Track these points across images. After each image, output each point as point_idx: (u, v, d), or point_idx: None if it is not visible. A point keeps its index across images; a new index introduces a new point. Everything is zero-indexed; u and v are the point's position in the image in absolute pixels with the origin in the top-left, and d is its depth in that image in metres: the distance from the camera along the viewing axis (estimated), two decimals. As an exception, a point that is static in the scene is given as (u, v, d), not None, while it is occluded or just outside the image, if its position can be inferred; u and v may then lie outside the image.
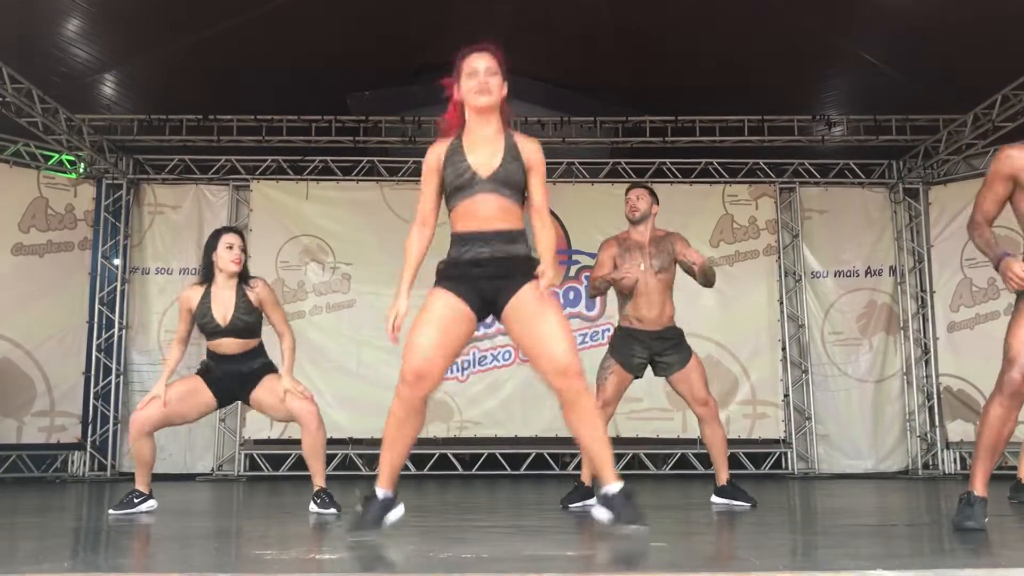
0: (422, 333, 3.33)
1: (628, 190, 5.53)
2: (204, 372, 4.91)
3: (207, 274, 4.93)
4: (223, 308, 4.84)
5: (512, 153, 3.43)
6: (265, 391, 4.90)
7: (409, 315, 3.42)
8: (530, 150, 3.47)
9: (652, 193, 5.47)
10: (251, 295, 4.89)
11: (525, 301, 3.35)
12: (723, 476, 5.28)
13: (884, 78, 8.21)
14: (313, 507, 4.83)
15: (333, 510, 4.73)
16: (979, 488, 3.71)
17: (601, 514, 3.36)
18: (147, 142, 8.99)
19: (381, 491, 3.45)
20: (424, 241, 3.58)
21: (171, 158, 9.28)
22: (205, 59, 8.07)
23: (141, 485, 4.88)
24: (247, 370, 4.89)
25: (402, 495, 3.57)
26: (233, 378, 4.88)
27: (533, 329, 3.33)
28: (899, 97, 8.47)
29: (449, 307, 3.36)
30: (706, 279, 5.29)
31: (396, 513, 3.48)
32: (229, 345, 4.87)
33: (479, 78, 3.45)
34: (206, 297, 4.86)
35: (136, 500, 4.85)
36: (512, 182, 3.42)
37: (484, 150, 3.44)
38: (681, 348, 5.24)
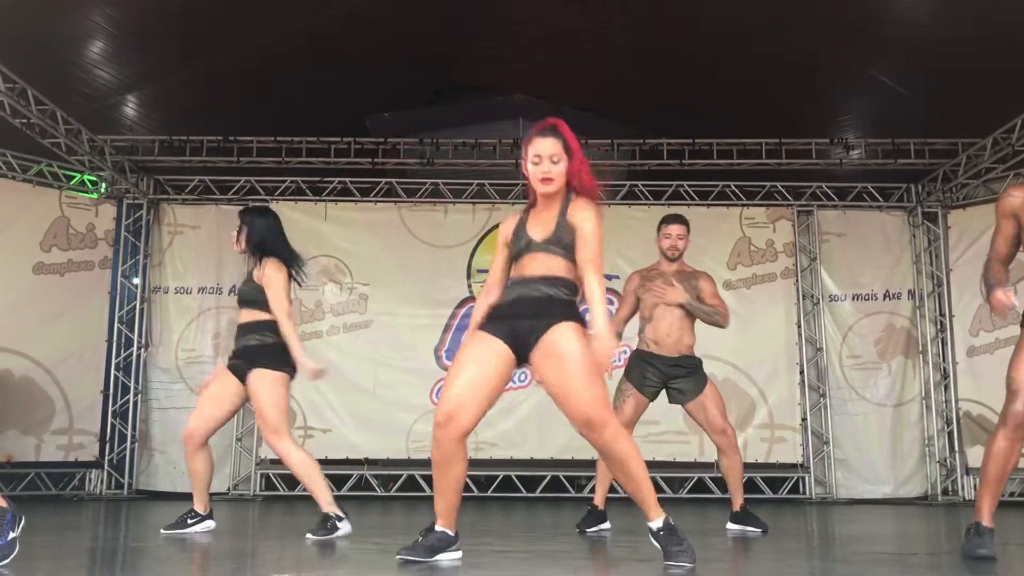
0: (455, 373, 3.38)
1: (667, 223, 5.40)
2: (287, 358, 4.77)
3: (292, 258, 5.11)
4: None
5: (563, 217, 3.49)
6: (249, 388, 4.76)
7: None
8: (579, 213, 3.48)
9: (688, 226, 5.45)
10: (256, 272, 4.90)
11: (553, 342, 3.33)
12: (738, 502, 5.27)
13: (902, 101, 8.19)
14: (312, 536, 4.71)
15: (336, 533, 4.59)
16: (987, 519, 3.71)
17: (656, 545, 3.44)
18: (168, 163, 9.06)
19: (439, 527, 3.48)
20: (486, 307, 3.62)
21: (191, 178, 9.35)
22: (226, 80, 8.15)
23: (199, 504, 4.82)
24: (241, 346, 4.82)
25: (418, 516, 3.56)
26: (238, 354, 4.82)
27: (558, 375, 3.31)
28: (917, 120, 8.44)
29: (484, 344, 3.40)
30: (702, 318, 5.28)
31: (451, 554, 3.48)
32: (241, 315, 4.90)
33: (543, 166, 3.49)
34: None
35: (190, 521, 4.80)
36: (564, 243, 3.47)
37: (544, 223, 3.53)
38: (696, 376, 5.24)
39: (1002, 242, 3.94)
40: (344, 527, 4.62)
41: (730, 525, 5.32)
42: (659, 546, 3.41)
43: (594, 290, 3.37)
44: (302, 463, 4.72)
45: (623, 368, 5.41)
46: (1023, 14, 6.67)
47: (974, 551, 3.68)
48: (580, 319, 3.43)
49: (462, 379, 3.33)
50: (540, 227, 3.53)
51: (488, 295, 3.63)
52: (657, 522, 3.41)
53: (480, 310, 3.60)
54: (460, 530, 3.55)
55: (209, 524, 4.85)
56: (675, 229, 5.35)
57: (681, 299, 5.20)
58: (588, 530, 5.23)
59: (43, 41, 7.26)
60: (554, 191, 3.51)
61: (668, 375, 5.22)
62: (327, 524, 4.62)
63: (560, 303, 3.42)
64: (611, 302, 9.08)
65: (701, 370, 5.29)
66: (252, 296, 4.87)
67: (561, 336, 3.33)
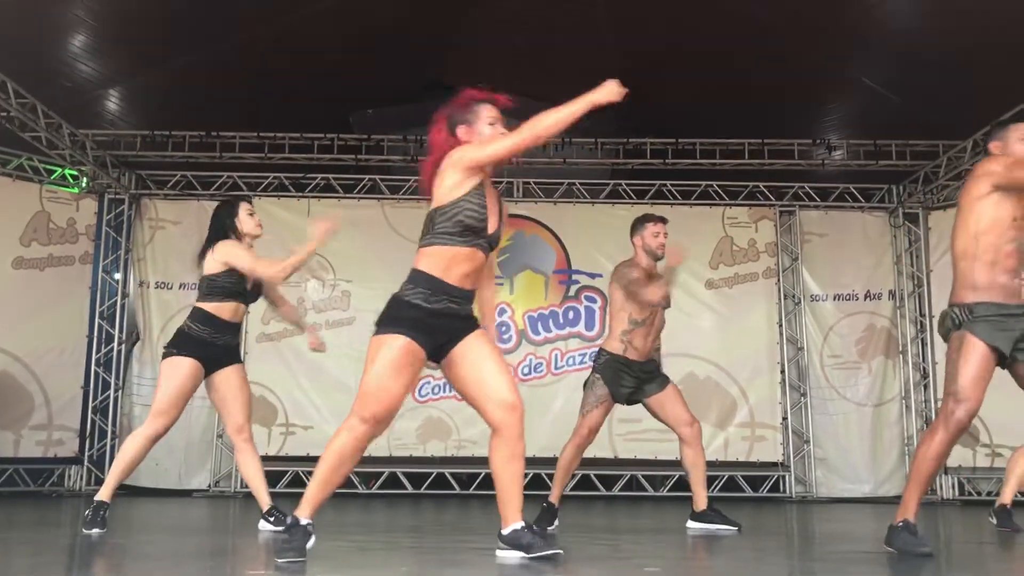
0: (397, 382, 3.33)
1: (653, 221, 5.37)
2: (191, 347, 4.72)
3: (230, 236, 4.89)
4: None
5: (500, 217, 3.53)
6: (233, 377, 4.81)
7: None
8: (505, 214, 3.62)
9: None
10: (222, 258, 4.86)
11: (470, 345, 3.42)
12: (703, 501, 5.25)
13: (885, 103, 8.24)
14: (265, 526, 4.80)
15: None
16: (912, 515, 3.76)
17: (509, 555, 3.38)
18: (150, 158, 9.01)
19: (305, 520, 3.36)
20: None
21: (173, 174, 9.31)
22: (209, 76, 8.10)
23: (264, 504, 4.92)
24: (234, 343, 4.90)
25: (399, 513, 3.56)
26: (221, 350, 4.79)
27: (477, 369, 3.39)
28: (899, 122, 8.49)
29: (414, 358, 3.35)
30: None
31: (312, 540, 3.42)
32: (234, 312, 4.84)
33: (497, 128, 3.56)
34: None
35: (271, 520, 4.86)
36: (495, 246, 3.55)
37: (492, 203, 3.50)
38: (659, 374, 5.31)
39: None
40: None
41: (692, 524, 5.23)
42: (516, 548, 3.37)
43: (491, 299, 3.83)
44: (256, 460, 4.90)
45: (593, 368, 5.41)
46: (1006, 17, 6.72)
47: (917, 549, 3.72)
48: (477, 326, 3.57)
49: (401, 391, 3.37)
50: (492, 209, 3.54)
51: None
52: (519, 523, 3.39)
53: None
54: (442, 529, 3.55)
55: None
56: (663, 227, 5.36)
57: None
58: (549, 528, 5.20)
59: (24, 34, 7.20)
60: None
61: (641, 378, 5.25)
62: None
63: (472, 318, 3.57)
64: (594, 300, 9.13)
65: (660, 368, 5.38)
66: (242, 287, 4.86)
67: (475, 339, 3.46)
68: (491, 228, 3.45)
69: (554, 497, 5.33)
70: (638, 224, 5.40)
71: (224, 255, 4.74)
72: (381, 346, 3.33)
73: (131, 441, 4.68)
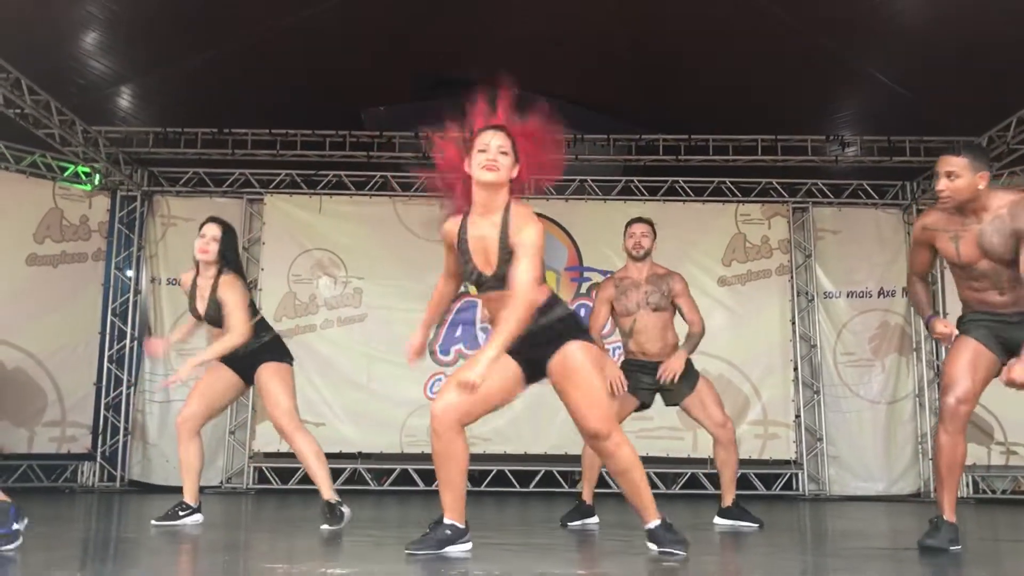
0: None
1: (631, 223, 5.48)
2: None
3: (195, 261, 4.97)
4: (202, 300, 4.88)
5: (504, 243, 3.42)
6: (260, 381, 4.87)
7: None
8: (516, 232, 3.40)
9: (653, 228, 5.48)
10: (219, 291, 4.83)
11: (559, 366, 3.43)
12: (730, 498, 5.28)
13: (898, 99, 8.19)
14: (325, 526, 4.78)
15: (339, 524, 4.67)
16: (948, 513, 3.87)
17: (652, 547, 3.51)
18: (162, 155, 9.03)
19: (447, 520, 3.49)
20: (450, 291, 3.81)
21: (185, 171, 9.33)
22: (221, 73, 8.11)
23: (189, 497, 4.85)
24: (243, 352, 4.84)
25: (411, 509, 3.56)
26: (236, 360, 4.85)
27: (567, 395, 3.43)
28: (913, 118, 8.44)
29: (499, 362, 3.34)
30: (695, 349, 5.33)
31: (463, 546, 3.51)
32: (218, 334, 4.86)
33: (489, 154, 3.41)
34: (193, 285, 4.95)
35: (181, 513, 4.82)
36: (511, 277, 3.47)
37: (484, 244, 3.46)
38: (688, 374, 5.25)
39: (921, 265, 4.29)
40: (347, 512, 4.71)
41: (719, 520, 5.31)
42: (655, 543, 3.48)
43: (503, 329, 3.30)
44: (312, 451, 4.87)
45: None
46: (1020, 12, 6.67)
47: (924, 540, 3.85)
48: (578, 330, 3.53)
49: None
50: (483, 256, 3.47)
51: (451, 279, 3.78)
52: (655, 522, 3.49)
53: (443, 292, 3.82)
54: (454, 523, 3.53)
55: (198, 517, 4.85)
56: (638, 227, 5.40)
57: (683, 361, 5.19)
58: (570, 524, 5.24)
59: (38, 31, 7.22)
60: (496, 181, 3.41)
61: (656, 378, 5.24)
62: (334, 512, 4.67)
63: (551, 327, 3.46)
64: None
65: (691, 366, 5.29)
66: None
67: (566, 358, 3.42)
68: (489, 270, 3.46)
69: (585, 495, 5.35)
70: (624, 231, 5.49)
71: (225, 293, 4.91)
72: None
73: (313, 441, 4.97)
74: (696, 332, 5.27)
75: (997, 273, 3.86)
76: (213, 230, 4.92)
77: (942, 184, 3.84)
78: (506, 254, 3.41)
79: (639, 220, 5.49)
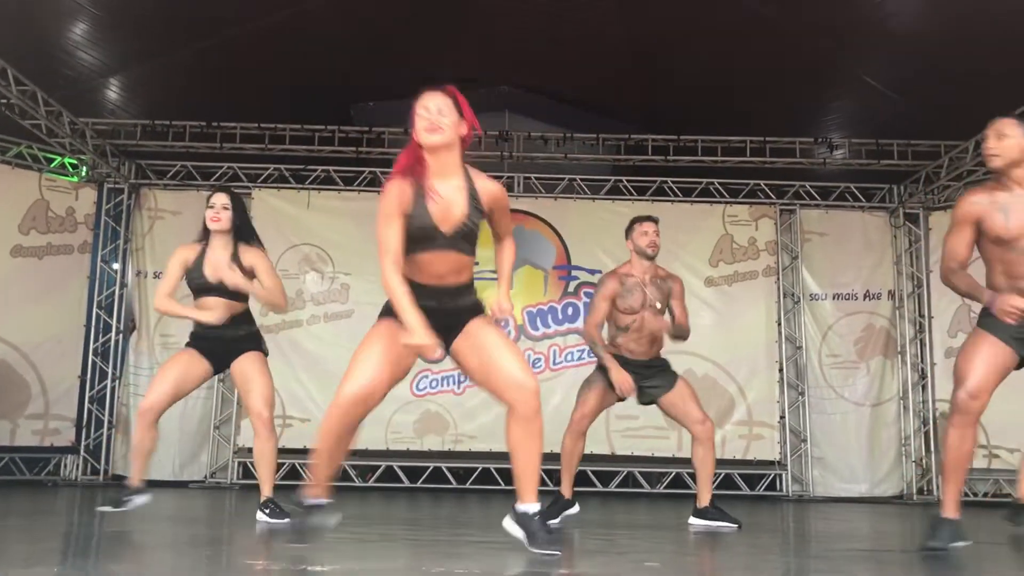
0: (367, 360, 3.37)
1: (642, 221, 5.35)
2: (193, 341, 4.90)
3: (203, 234, 4.92)
4: (213, 267, 4.83)
5: (474, 204, 3.41)
6: (244, 366, 4.86)
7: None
8: (491, 193, 3.45)
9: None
10: (244, 258, 4.86)
11: (474, 334, 3.43)
12: (707, 498, 5.27)
13: (887, 103, 8.23)
14: (262, 517, 4.82)
15: (286, 520, 4.70)
16: (949, 510, 3.80)
17: (515, 531, 3.41)
18: (150, 147, 8.99)
19: (321, 500, 3.51)
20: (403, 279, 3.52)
21: (173, 164, 9.29)
22: (210, 66, 8.08)
23: (136, 479, 4.87)
24: (231, 336, 4.85)
25: (395, 507, 3.55)
26: (219, 343, 4.85)
27: (488, 356, 3.38)
28: (901, 122, 8.48)
29: (395, 340, 3.31)
30: (673, 338, 5.29)
31: (335, 517, 3.54)
32: (215, 305, 4.83)
33: (429, 115, 3.36)
34: (201, 255, 4.89)
35: (125, 499, 4.84)
36: (472, 237, 3.43)
37: (447, 201, 3.38)
38: (666, 372, 5.28)
39: (964, 248, 4.00)
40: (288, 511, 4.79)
41: (695, 521, 5.26)
42: (523, 529, 3.38)
43: (509, 266, 3.70)
44: (273, 450, 4.92)
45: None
46: (1007, 17, 6.71)
47: (925, 543, 3.83)
48: (482, 309, 3.56)
49: (373, 370, 3.34)
50: (445, 212, 3.35)
51: (399, 267, 3.39)
52: (534, 506, 3.40)
53: (403, 282, 3.40)
54: (438, 522, 3.54)
55: (145, 499, 4.88)
56: (652, 226, 5.32)
57: (666, 327, 5.20)
58: (551, 522, 5.21)
59: (25, 21, 7.18)
60: (440, 143, 3.35)
61: (641, 375, 5.24)
62: (279, 510, 4.82)
63: (470, 309, 3.50)
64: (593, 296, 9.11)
65: (669, 367, 5.33)
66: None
67: (477, 329, 3.45)
68: (447, 228, 3.36)
69: (564, 490, 5.33)
70: (629, 227, 5.40)
71: (264, 264, 5.03)
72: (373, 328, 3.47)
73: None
74: (683, 325, 5.25)
75: None
76: (223, 199, 4.90)
77: (991, 143, 3.90)
78: (476, 214, 3.40)
79: (650, 219, 5.39)
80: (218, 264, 4.83)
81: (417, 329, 3.23)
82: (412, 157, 3.41)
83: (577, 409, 5.25)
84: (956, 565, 3.59)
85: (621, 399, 5.32)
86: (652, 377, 5.25)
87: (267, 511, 4.83)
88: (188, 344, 4.92)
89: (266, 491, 4.91)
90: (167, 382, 4.78)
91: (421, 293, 3.36)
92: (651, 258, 5.29)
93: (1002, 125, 3.92)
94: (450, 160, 3.42)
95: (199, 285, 4.86)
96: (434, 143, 3.37)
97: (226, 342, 4.85)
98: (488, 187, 3.47)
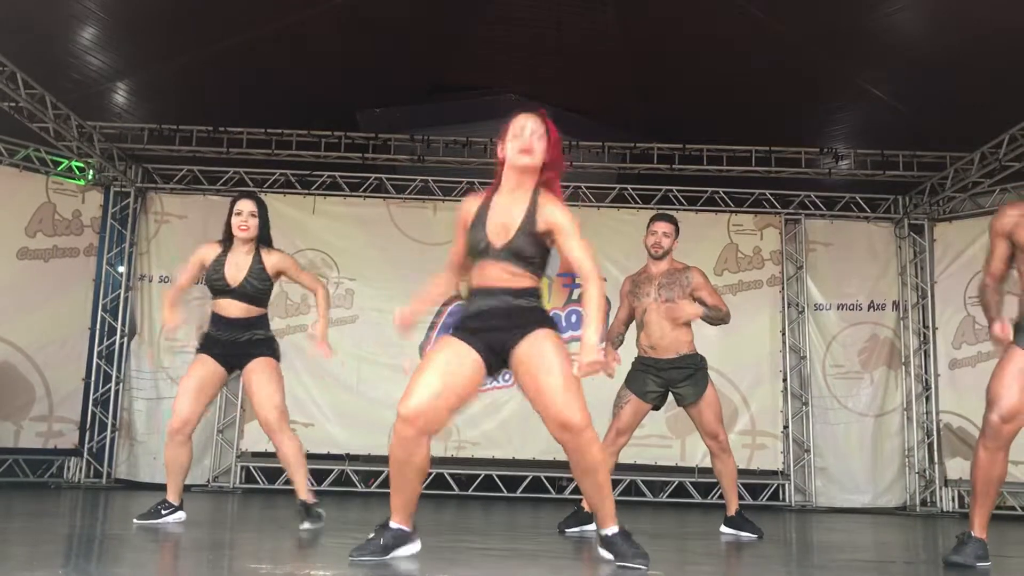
0: (427, 373, 3.30)
1: (654, 220, 5.38)
2: (205, 346, 4.88)
3: (227, 237, 4.92)
4: (235, 270, 4.83)
5: (529, 223, 3.40)
6: (255, 372, 4.84)
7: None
8: (549, 214, 3.41)
9: (677, 227, 5.41)
10: (267, 262, 4.88)
11: (527, 351, 3.31)
12: (733, 506, 5.29)
13: (893, 113, 8.24)
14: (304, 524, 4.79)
15: (319, 523, 4.72)
16: (977, 529, 3.79)
17: (604, 554, 3.42)
18: (157, 151, 9.01)
19: (394, 524, 3.41)
20: (450, 285, 3.72)
21: (180, 168, 9.31)
22: (217, 71, 8.12)
23: (173, 496, 4.81)
24: (246, 339, 4.85)
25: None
26: (233, 345, 4.83)
27: (536, 381, 3.28)
28: (907, 133, 8.49)
29: (454, 352, 3.34)
30: (712, 322, 5.29)
31: (409, 548, 3.44)
32: (233, 308, 4.84)
33: (524, 138, 3.40)
34: (221, 257, 4.87)
35: (164, 512, 4.78)
36: (524, 256, 3.41)
37: (504, 218, 3.41)
38: (697, 380, 5.23)
39: (998, 262, 3.98)
40: (322, 513, 4.81)
41: (724, 529, 5.32)
42: (610, 552, 3.39)
43: (592, 305, 3.33)
44: (296, 451, 4.88)
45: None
46: (1014, 30, 6.71)
47: (949, 556, 3.82)
48: (552, 324, 3.45)
49: (433, 382, 3.26)
50: (499, 228, 3.40)
51: (452, 272, 3.66)
52: (612, 528, 3.40)
53: (444, 283, 3.69)
54: (440, 528, 3.54)
55: (181, 515, 4.83)
56: (661, 226, 5.31)
57: (698, 313, 5.16)
58: (568, 530, 5.23)
59: (34, 25, 7.21)
60: (532, 165, 3.40)
61: (669, 379, 5.22)
62: (311, 513, 4.72)
63: (529, 311, 3.41)
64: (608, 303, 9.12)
65: (703, 372, 5.27)
66: (263, 292, 4.96)
67: (536, 343, 3.32)
68: (499, 243, 3.39)
69: (586, 503, 5.32)
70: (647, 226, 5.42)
71: (290, 265, 5.13)
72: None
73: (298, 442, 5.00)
74: (721, 311, 5.23)
75: None
76: (250, 206, 4.92)
77: None
78: (529, 230, 3.39)
79: (662, 218, 5.38)
80: (240, 268, 4.83)
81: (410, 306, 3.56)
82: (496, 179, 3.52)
83: (611, 427, 5.26)
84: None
85: (656, 408, 5.33)
86: (682, 382, 5.23)
87: (303, 515, 4.78)
88: (200, 350, 4.89)
89: (300, 494, 4.85)
90: (190, 396, 4.75)
91: (479, 294, 3.44)
92: (657, 258, 5.29)
93: None
94: (526, 181, 3.45)
95: (218, 287, 4.86)
96: (525, 164, 3.42)
97: (240, 345, 4.84)
98: (548, 207, 3.43)
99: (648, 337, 5.25)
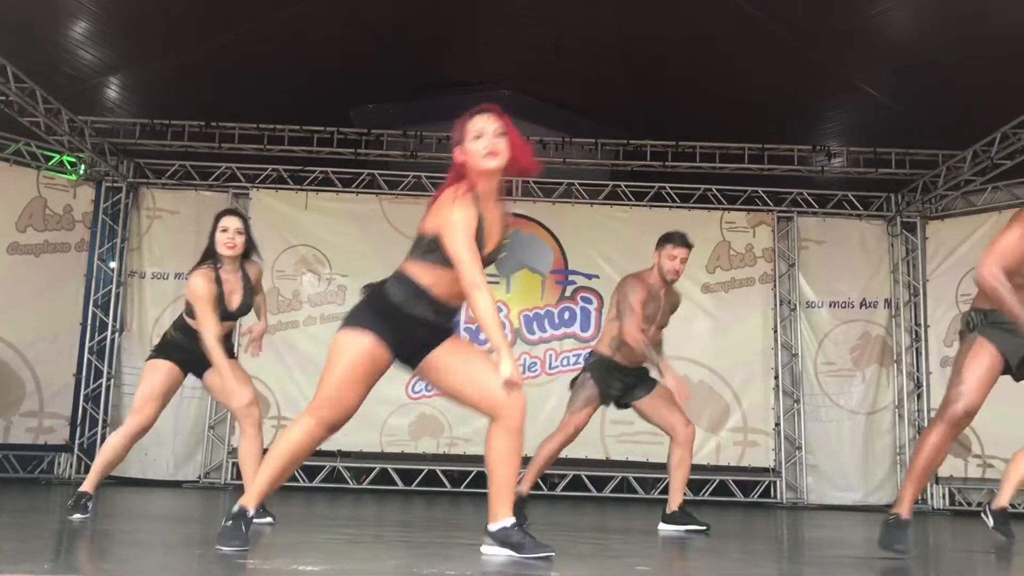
0: (353, 391, 3.33)
1: (677, 244, 5.15)
2: (165, 351, 4.86)
3: (209, 256, 4.76)
4: (232, 293, 4.74)
5: (505, 227, 3.45)
6: (215, 377, 4.82)
7: None
8: (506, 216, 3.47)
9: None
10: (251, 275, 4.82)
11: (451, 351, 3.36)
12: (678, 502, 5.23)
13: (885, 111, 8.25)
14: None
15: (268, 519, 4.69)
16: (906, 511, 3.76)
17: (498, 551, 3.31)
18: (148, 146, 8.99)
19: (252, 509, 3.35)
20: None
21: (172, 163, 9.29)
22: (210, 66, 8.09)
23: (90, 487, 4.81)
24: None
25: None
26: (199, 355, 4.76)
27: (469, 371, 3.31)
28: (899, 131, 8.50)
29: (376, 361, 3.29)
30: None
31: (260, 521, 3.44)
32: (228, 329, 4.83)
33: (486, 139, 3.29)
34: (218, 283, 4.71)
35: (88, 504, 4.77)
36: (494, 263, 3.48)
37: (491, 226, 3.35)
38: (647, 377, 5.29)
39: (1021, 252, 3.66)
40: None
41: (665, 527, 5.21)
42: (507, 546, 3.30)
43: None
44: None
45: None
46: (1005, 29, 6.73)
47: (891, 544, 3.75)
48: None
49: (359, 394, 3.36)
50: (489, 235, 3.32)
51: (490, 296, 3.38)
52: (510, 520, 3.33)
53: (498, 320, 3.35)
54: (431, 524, 3.53)
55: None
56: (682, 252, 5.15)
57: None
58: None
59: (25, 19, 7.18)
60: (500, 167, 3.30)
61: (627, 382, 5.28)
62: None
63: (450, 331, 3.46)
64: (590, 301, 9.12)
65: (648, 373, 5.32)
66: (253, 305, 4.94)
67: (452, 344, 3.39)
68: (488, 249, 3.34)
69: (525, 486, 5.28)
70: (663, 240, 5.22)
71: (188, 292, 4.77)
72: (344, 346, 3.32)
73: (112, 438, 4.89)
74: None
75: None
76: (236, 223, 4.76)
77: None
78: (505, 237, 3.40)
79: (685, 243, 5.18)
80: (233, 291, 4.76)
81: (507, 360, 3.17)
82: (455, 179, 3.36)
83: (570, 422, 5.27)
84: (952, 572, 3.58)
85: (603, 405, 5.35)
86: (636, 383, 5.28)
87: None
88: (159, 355, 4.86)
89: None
90: (156, 404, 4.77)
91: (434, 308, 3.33)
92: (669, 282, 5.23)
93: None
94: (494, 184, 3.38)
95: (222, 315, 4.72)
96: (494, 168, 3.31)
97: (201, 353, 4.76)
98: (504, 211, 3.44)
99: (631, 353, 5.16)
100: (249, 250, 4.86)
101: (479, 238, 3.25)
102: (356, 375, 3.29)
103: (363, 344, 3.27)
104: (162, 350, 4.89)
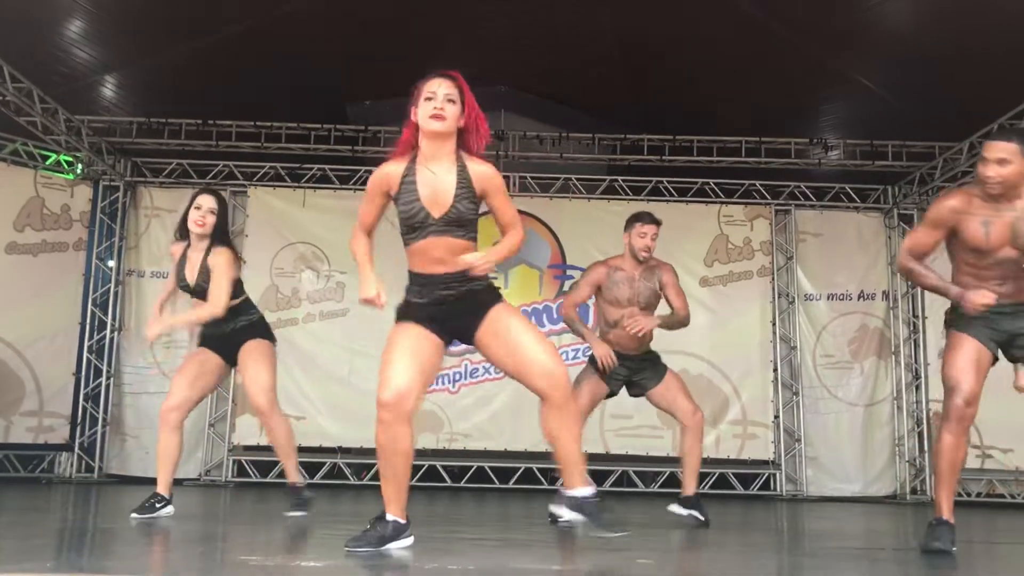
0: (397, 358, 3.32)
1: (645, 223, 5.22)
2: (202, 340, 4.92)
3: (182, 232, 4.87)
4: (192, 269, 4.81)
5: (464, 188, 3.38)
6: (244, 358, 4.85)
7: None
8: (482, 176, 3.40)
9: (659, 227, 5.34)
10: (209, 260, 4.78)
11: (495, 321, 3.39)
12: (692, 487, 5.26)
13: (882, 104, 8.25)
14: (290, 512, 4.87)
15: (302, 512, 4.79)
16: (946, 513, 3.79)
17: (571, 516, 3.40)
18: (146, 145, 8.98)
19: (390, 516, 3.39)
20: (370, 244, 3.71)
21: (169, 162, 9.28)
22: (206, 64, 8.08)
23: (163, 487, 4.74)
24: (229, 329, 4.84)
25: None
26: (220, 338, 4.84)
27: (513, 345, 3.36)
28: (896, 123, 8.50)
29: (415, 335, 3.37)
30: (670, 328, 5.26)
31: (404, 541, 3.42)
32: (198, 304, 4.86)
33: (436, 102, 3.36)
34: (183, 257, 4.86)
35: (158, 505, 4.71)
36: (464, 221, 3.40)
37: (436, 186, 3.37)
38: (657, 365, 5.26)
39: (932, 246, 4.19)
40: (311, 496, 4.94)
41: (677, 508, 5.26)
42: (581, 513, 3.39)
43: (507, 243, 3.48)
44: (285, 434, 4.95)
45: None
46: (1002, 21, 6.73)
47: (929, 544, 3.81)
48: (499, 296, 3.52)
49: (406, 367, 3.29)
50: (433, 197, 3.36)
51: (367, 235, 3.69)
52: (586, 490, 3.40)
53: (365, 246, 3.70)
54: (432, 520, 3.54)
55: (170, 509, 4.79)
56: (652, 229, 5.20)
57: (655, 324, 5.16)
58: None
59: (21, 18, 7.16)
60: (443, 131, 3.36)
61: (632, 368, 5.23)
62: (300, 497, 4.82)
63: (486, 291, 3.47)
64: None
65: (659, 360, 5.32)
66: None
67: (500, 315, 3.41)
68: (437, 212, 3.36)
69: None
70: (630, 222, 5.29)
71: (218, 265, 4.80)
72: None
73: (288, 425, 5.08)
74: (681, 315, 5.20)
75: (1012, 264, 3.81)
76: (210, 202, 4.82)
77: (992, 171, 3.70)
78: (467, 198, 3.37)
79: (653, 220, 5.25)
80: (194, 267, 4.81)
81: (365, 282, 3.40)
82: (409, 138, 3.45)
83: None
84: (949, 564, 3.60)
85: (612, 394, 5.31)
86: (643, 371, 5.25)
87: (294, 501, 4.92)
88: (199, 343, 4.94)
89: (291, 477, 4.99)
90: (183, 382, 4.79)
91: (433, 283, 3.40)
92: (642, 262, 5.24)
93: (1002, 150, 3.69)
94: (445, 147, 3.41)
95: (182, 287, 4.87)
96: (437, 130, 3.36)
97: (225, 336, 4.85)
98: (479, 169, 3.42)
99: (619, 337, 5.17)
100: (219, 232, 4.84)
101: (403, 195, 3.38)
102: (396, 346, 3.40)
103: (401, 325, 3.46)
104: (199, 339, 4.97)
